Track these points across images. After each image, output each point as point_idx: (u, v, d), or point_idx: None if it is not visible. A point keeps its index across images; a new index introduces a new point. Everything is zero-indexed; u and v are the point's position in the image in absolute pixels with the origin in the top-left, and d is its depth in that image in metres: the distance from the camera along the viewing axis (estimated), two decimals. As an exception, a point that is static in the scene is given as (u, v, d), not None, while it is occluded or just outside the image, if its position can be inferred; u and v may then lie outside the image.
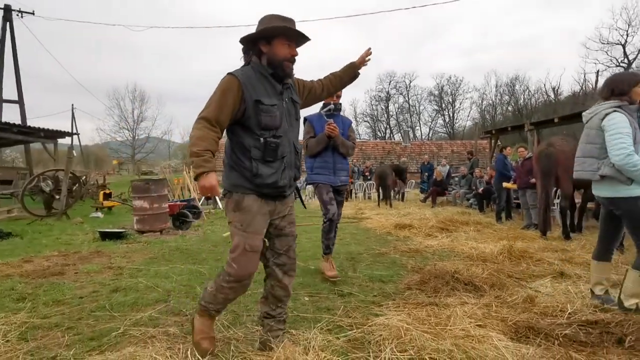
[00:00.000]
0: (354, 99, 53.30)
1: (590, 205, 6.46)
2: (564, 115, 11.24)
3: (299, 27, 2.00)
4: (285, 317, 2.15)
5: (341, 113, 3.75)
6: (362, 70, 2.37)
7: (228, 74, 1.92)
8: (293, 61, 2.00)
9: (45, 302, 2.94)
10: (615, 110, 2.65)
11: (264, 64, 1.97)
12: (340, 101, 3.68)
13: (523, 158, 7.01)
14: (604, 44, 31.22)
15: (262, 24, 1.97)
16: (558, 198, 6.08)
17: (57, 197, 9.19)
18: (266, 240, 2.03)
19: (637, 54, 30.07)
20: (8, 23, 16.72)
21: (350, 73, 2.34)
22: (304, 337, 2.19)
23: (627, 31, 30.27)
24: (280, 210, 2.04)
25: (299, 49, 2.05)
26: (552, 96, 37.95)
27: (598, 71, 33.11)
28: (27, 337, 2.31)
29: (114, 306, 2.84)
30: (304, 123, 3.72)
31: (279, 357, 1.88)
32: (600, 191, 2.76)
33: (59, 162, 13.43)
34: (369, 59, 2.34)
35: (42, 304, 2.90)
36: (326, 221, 3.62)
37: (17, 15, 17.31)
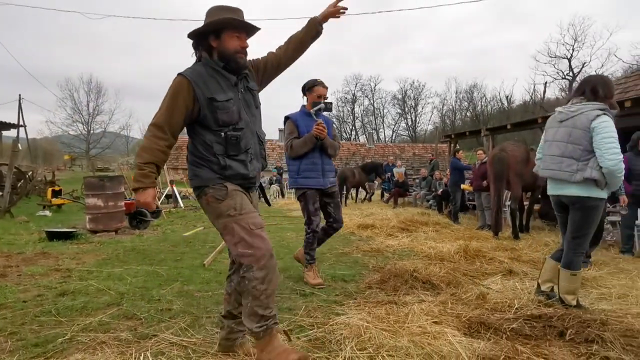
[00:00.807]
0: (320, 100, 53.51)
1: (536, 207, 6.93)
2: (516, 122, 11.96)
3: (265, 23, 1.98)
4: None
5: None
6: (328, 24, 2.15)
7: (178, 74, 1.85)
8: (245, 53, 1.93)
9: (-19, 308, 2.70)
10: (604, 113, 2.59)
11: (215, 59, 1.91)
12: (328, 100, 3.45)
13: (480, 161, 7.38)
14: (551, 57, 33.65)
15: (208, 17, 1.90)
16: (509, 200, 6.46)
17: (0, 193, 8.49)
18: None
19: (582, 68, 32.68)
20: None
21: (311, 31, 2.14)
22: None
23: (573, 46, 32.83)
24: (254, 203, 2.00)
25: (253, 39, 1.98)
26: (506, 104, 40.34)
27: (546, 82, 35.69)
28: (-41, 346, 2.12)
29: (60, 310, 2.66)
30: (285, 122, 3.49)
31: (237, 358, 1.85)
32: (570, 191, 2.69)
33: (3, 156, 12.39)
34: (342, 12, 2.14)
35: (-23, 310, 2.66)
36: (309, 232, 3.45)
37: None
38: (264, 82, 2.18)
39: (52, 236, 5.63)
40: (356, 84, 47.58)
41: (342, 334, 2.24)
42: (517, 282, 3.40)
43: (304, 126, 3.37)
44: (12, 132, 24.86)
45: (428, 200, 10.67)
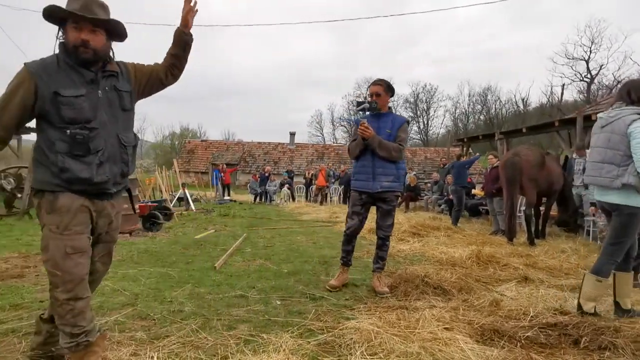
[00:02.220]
0: (331, 104, 53.72)
1: (552, 213, 6.79)
2: (532, 125, 11.77)
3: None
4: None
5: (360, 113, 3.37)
6: (192, 29, 1.99)
7: (24, 64, 1.69)
8: (86, 46, 1.71)
9: (1, 307, 2.78)
10: None
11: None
12: (371, 99, 3.31)
13: (491, 166, 7.29)
14: (569, 59, 33.00)
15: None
16: (524, 205, 6.36)
17: (19, 195, 8.72)
18: (91, 237, 1.81)
19: (599, 70, 31.98)
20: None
21: (179, 42, 1.98)
22: (275, 341, 2.18)
23: (590, 48, 32.16)
24: (109, 211, 1.85)
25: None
26: (522, 107, 39.68)
27: (564, 84, 34.94)
28: (-21, 343, 2.18)
29: None
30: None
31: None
32: (610, 197, 2.69)
33: (23, 159, 12.77)
34: (195, 11, 1.96)
35: (-3, 309, 2.74)
36: (344, 232, 3.47)
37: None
38: (145, 91, 2.02)
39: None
40: (368, 87, 47.46)
41: (352, 338, 2.23)
42: (532, 290, 3.34)
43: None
44: (32, 136, 25.63)
45: (440, 205, 10.57)
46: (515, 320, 2.59)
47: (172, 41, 2.00)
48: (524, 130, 11.31)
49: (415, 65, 70.80)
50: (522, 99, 39.98)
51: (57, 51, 1.78)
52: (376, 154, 3.23)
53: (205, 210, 10.68)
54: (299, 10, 65.09)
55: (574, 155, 7.06)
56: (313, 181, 15.15)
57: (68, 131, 1.67)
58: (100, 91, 1.77)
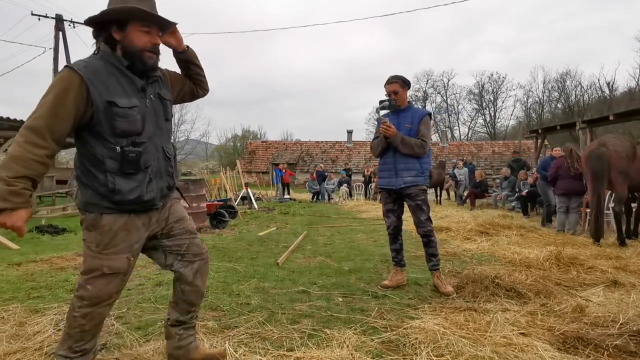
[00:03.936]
0: (389, 99, 52.61)
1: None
2: (620, 112, 10.44)
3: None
4: (195, 321, 1.92)
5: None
6: (182, 42, 1.83)
7: (65, 67, 1.51)
8: (156, 51, 1.64)
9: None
10: None
11: (119, 55, 1.59)
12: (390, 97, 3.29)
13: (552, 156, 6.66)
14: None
15: (112, 3, 1.58)
16: (612, 202, 5.67)
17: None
18: (131, 258, 1.68)
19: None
20: (60, 32, 18.07)
21: (179, 64, 1.89)
22: (338, 337, 2.19)
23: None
24: (157, 218, 1.74)
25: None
26: (607, 92, 35.40)
27: (655, 65, 30.44)
28: (80, 324, 2.48)
29: (157, 299, 2.98)
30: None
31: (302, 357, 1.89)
32: None
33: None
34: (172, 30, 1.77)
35: (93, 295, 3.10)
36: (387, 230, 3.45)
37: (69, 25, 18.68)
38: (176, 101, 1.91)
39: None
40: (427, 80, 45.57)
41: (417, 338, 2.16)
42: (622, 295, 2.97)
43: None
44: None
45: (511, 202, 9.82)
46: (602, 328, 2.32)
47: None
48: (611, 117, 10.05)
49: (480, 54, 66.72)
50: (608, 83, 35.66)
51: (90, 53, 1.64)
52: (399, 151, 3.22)
53: (267, 209, 11.09)
54: (355, 8, 64.70)
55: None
56: (372, 179, 14.96)
57: (118, 148, 1.53)
58: (147, 100, 1.64)
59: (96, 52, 1.62)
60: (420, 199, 3.24)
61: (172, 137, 1.89)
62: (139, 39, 1.58)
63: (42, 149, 1.43)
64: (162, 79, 1.77)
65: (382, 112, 3.43)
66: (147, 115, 1.62)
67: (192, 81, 1.92)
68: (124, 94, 1.55)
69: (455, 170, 12.86)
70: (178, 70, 1.93)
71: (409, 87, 3.40)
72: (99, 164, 1.54)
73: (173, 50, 1.84)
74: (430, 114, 3.41)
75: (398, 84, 3.31)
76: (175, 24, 1.70)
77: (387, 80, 3.35)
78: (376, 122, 3.54)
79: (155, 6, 1.65)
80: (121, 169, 1.54)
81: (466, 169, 12.72)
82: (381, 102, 3.32)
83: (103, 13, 1.56)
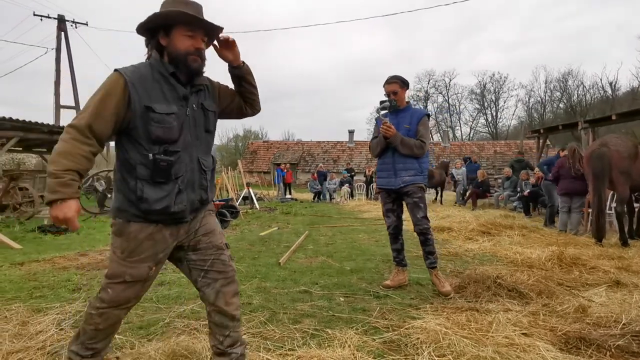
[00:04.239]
0: (390, 100, 52.61)
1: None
2: (623, 111, 10.39)
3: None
4: (239, 350, 1.75)
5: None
6: (239, 58, 1.78)
7: (114, 70, 1.55)
8: (201, 56, 1.63)
9: (98, 293, 3.15)
10: None
11: (165, 61, 1.62)
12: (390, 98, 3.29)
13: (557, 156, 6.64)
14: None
15: (160, 9, 1.62)
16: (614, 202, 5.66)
17: (110, 195, 9.83)
18: (154, 267, 1.66)
19: None
20: (63, 33, 18.15)
21: (235, 81, 1.84)
22: (339, 337, 2.19)
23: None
24: (187, 229, 1.70)
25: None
26: (610, 92, 35.31)
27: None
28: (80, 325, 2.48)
29: (159, 299, 2.99)
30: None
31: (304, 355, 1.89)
32: None
33: (111, 164, 14.38)
34: (231, 42, 1.74)
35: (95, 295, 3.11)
36: (387, 230, 3.46)
37: (72, 25, 18.77)
38: (223, 115, 1.87)
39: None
40: (429, 80, 45.55)
41: (418, 338, 2.16)
42: (625, 295, 2.96)
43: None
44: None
45: (513, 202, 9.81)
46: (605, 328, 2.32)
47: (233, 82, 1.85)
48: (614, 117, 10.00)
49: (481, 54, 66.48)
50: (610, 83, 35.61)
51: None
52: (397, 151, 3.23)
53: (269, 209, 11.10)
54: (356, 8, 64.69)
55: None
56: (373, 179, 14.95)
57: (150, 155, 1.53)
58: (188, 109, 1.62)
59: (148, 59, 1.66)
60: (417, 196, 3.24)
61: None
62: (183, 43, 1.60)
63: (88, 145, 1.47)
64: (209, 89, 1.75)
65: (382, 112, 3.43)
66: (185, 124, 1.60)
67: (242, 98, 1.88)
68: (163, 101, 1.56)
69: (454, 170, 12.84)
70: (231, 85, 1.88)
71: (407, 87, 3.42)
72: (132, 169, 1.55)
73: (228, 65, 1.80)
74: (428, 115, 3.42)
75: (397, 84, 3.32)
76: (222, 28, 1.68)
77: (387, 81, 3.37)
78: (375, 122, 3.56)
79: (201, 11, 1.65)
80: (152, 176, 1.54)
81: (464, 168, 12.71)
82: (381, 102, 3.34)
83: (149, 18, 1.59)
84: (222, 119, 1.88)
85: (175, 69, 1.60)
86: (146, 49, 1.68)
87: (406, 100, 3.44)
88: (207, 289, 1.71)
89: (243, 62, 1.80)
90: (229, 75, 1.84)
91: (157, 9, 1.66)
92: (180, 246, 1.72)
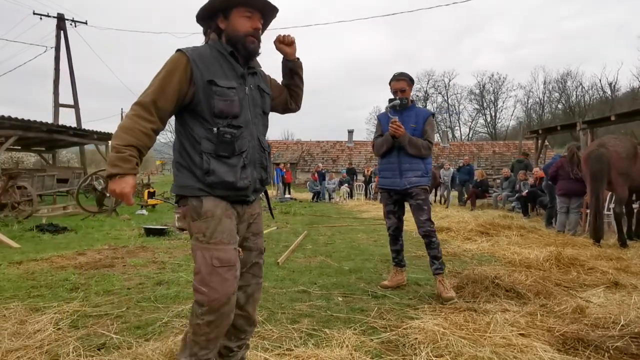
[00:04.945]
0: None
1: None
2: (622, 112, 10.41)
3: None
4: (244, 352, 1.79)
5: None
6: (294, 54, 1.89)
7: (177, 50, 1.60)
8: (257, 37, 1.67)
9: (96, 292, 3.15)
10: None
11: (223, 42, 1.67)
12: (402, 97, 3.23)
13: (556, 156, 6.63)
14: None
15: None
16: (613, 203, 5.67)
17: (108, 195, 9.81)
18: (240, 249, 1.64)
19: None
20: (62, 32, 18.10)
21: (287, 73, 1.93)
22: (338, 336, 2.19)
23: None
24: (246, 216, 1.69)
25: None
26: (609, 93, 35.37)
27: (659, 65, 30.37)
28: (78, 324, 2.48)
29: (157, 298, 2.99)
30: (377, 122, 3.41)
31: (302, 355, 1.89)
32: None
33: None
34: (290, 40, 1.86)
35: (93, 294, 3.11)
36: (387, 231, 3.42)
37: (71, 24, 18.72)
38: (270, 107, 1.91)
39: (149, 232, 6.34)
40: (428, 80, 45.74)
41: (416, 338, 2.17)
42: (624, 296, 2.96)
43: (386, 125, 3.20)
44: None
45: (511, 202, 9.82)
46: (603, 329, 2.32)
47: (283, 75, 1.94)
48: (613, 118, 10.02)
49: (481, 54, 66.63)
50: (610, 84, 35.71)
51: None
52: (403, 151, 3.15)
53: (267, 208, 11.08)
54: (356, 8, 64.63)
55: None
56: (372, 179, 14.96)
57: (214, 128, 1.55)
58: (247, 87, 1.67)
59: (206, 42, 1.72)
60: (421, 198, 3.18)
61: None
62: (242, 24, 1.64)
63: (149, 122, 1.50)
64: (263, 76, 1.83)
65: (390, 111, 3.31)
66: (244, 101, 1.64)
67: (289, 92, 1.96)
68: (224, 76, 1.60)
69: (442, 171, 12.80)
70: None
71: (413, 85, 3.35)
72: (196, 144, 1.56)
73: (283, 58, 1.90)
74: (433, 114, 3.37)
75: (405, 81, 3.23)
76: (277, 9, 1.73)
77: (394, 77, 3.26)
78: (377, 120, 3.48)
79: None
80: (216, 150, 1.55)
81: (452, 169, 12.68)
82: (391, 100, 3.23)
83: (210, 3, 1.64)
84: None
85: (233, 49, 1.65)
86: (204, 37, 1.74)
87: (410, 98, 3.36)
88: (239, 291, 1.64)
89: (297, 58, 1.91)
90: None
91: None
92: None
